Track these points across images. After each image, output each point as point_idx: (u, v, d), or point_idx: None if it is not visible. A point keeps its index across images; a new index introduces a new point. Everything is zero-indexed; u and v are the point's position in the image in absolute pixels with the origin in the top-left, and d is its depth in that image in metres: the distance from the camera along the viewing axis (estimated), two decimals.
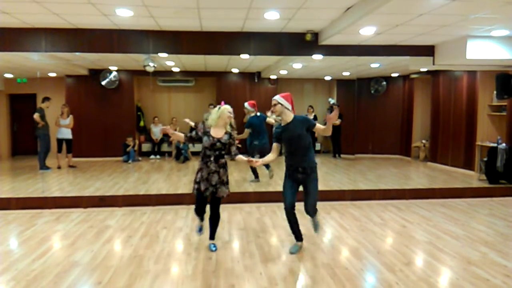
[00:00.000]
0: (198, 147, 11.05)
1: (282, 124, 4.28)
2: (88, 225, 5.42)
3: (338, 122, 11.58)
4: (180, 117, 12.24)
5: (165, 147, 12.00)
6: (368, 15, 5.22)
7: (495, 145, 7.97)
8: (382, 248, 4.60)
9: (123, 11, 5.78)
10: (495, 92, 8.19)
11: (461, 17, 5.44)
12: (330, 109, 12.05)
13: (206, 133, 4.28)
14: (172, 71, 11.80)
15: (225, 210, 5.99)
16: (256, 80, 12.30)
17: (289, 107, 4.22)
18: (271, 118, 8.04)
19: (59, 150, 9.72)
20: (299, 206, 4.26)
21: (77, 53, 7.71)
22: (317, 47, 7.17)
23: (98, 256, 4.26)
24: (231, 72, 12.11)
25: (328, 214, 6.02)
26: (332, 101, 12.26)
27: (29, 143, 12.03)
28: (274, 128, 11.44)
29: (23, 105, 12.35)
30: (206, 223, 4.60)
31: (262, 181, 7.83)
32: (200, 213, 4.47)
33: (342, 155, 11.87)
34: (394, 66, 9.88)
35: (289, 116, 4.22)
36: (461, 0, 4.64)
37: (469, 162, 8.97)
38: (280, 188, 7.10)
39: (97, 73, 11.41)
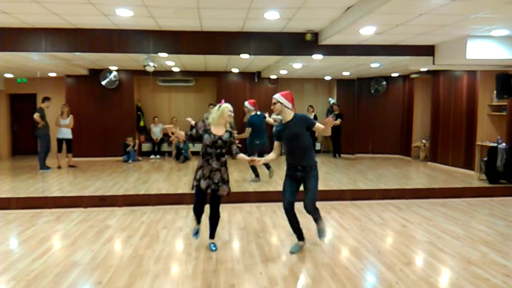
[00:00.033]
0: (198, 147, 11.05)
1: (283, 122, 4.28)
2: (88, 225, 5.42)
3: (338, 122, 11.59)
4: (180, 117, 12.28)
5: (165, 147, 12.00)
6: (368, 15, 5.21)
7: (495, 145, 7.97)
8: (382, 247, 4.60)
9: (123, 11, 5.78)
10: (495, 92, 8.19)
11: (461, 17, 5.44)
12: (331, 109, 12.07)
13: (207, 131, 4.26)
14: (172, 71, 11.80)
15: (225, 209, 5.99)
16: (256, 80, 12.30)
17: (289, 105, 4.22)
18: (270, 118, 8.05)
19: (59, 150, 9.72)
20: (299, 206, 4.25)
21: (77, 53, 7.72)
22: (317, 47, 7.17)
23: (98, 256, 4.26)
24: (231, 72, 12.11)
25: (328, 214, 6.02)
26: (332, 101, 12.28)
27: (29, 143, 12.04)
28: (274, 128, 11.45)
29: (23, 105, 12.36)
30: (203, 227, 4.59)
31: (262, 181, 7.83)
32: (199, 212, 4.41)
33: (342, 155, 11.87)
34: (394, 66, 9.88)
35: (289, 115, 4.21)
36: (461, 0, 4.64)
37: (469, 162, 8.97)
38: (280, 187, 7.09)
39: (97, 73, 11.41)
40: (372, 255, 4.34)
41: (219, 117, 4.29)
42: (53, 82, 11.76)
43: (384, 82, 12.18)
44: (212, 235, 4.52)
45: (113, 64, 10.62)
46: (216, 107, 4.36)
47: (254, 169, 7.93)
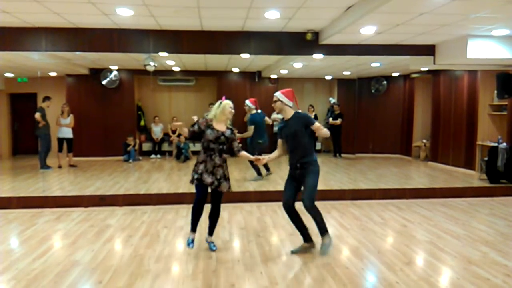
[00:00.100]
0: (198, 147, 11.05)
1: (284, 120, 4.28)
2: (88, 225, 5.42)
3: (338, 121, 11.60)
4: (181, 116, 12.29)
5: (165, 147, 12.01)
6: (369, 15, 5.21)
7: (495, 144, 7.96)
8: (382, 247, 4.60)
9: (123, 11, 5.78)
10: (495, 91, 8.18)
11: (462, 16, 5.43)
12: (331, 109, 12.08)
13: (209, 126, 4.22)
14: (172, 71, 11.80)
15: (225, 209, 5.99)
16: (256, 80, 12.30)
17: (290, 103, 4.21)
18: (269, 119, 8.06)
19: (60, 150, 9.73)
20: (300, 206, 4.24)
21: (77, 53, 7.73)
22: (318, 47, 7.16)
23: (98, 255, 4.26)
24: (232, 71, 12.11)
25: (329, 214, 6.01)
26: (333, 100, 12.28)
27: (29, 143, 12.05)
28: (274, 127, 11.46)
29: (23, 104, 12.37)
30: (203, 228, 4.58)
31: (263, 180, 7.83)
32: (198, 212, 4.27)
33: (342, 155, 11.87)
34: (394, 65, 9.87)
35: (289, 113, 4.21)
36: (461, 0, 4.64)
37: (470, 162, 8.97)
38: (280, 187, 7.11)
39: (97, 73, 11.42)
40: (373, 255, 4.34)
41: (220, 114, 4.26)
42: (53, 82, 11.77)
43: (385, 82, 12.18)
44: (211, 232, 4.47)
45: (114, 63, 10.62)
46: (217, 104, 4.33)
47: (256, 167, 7.93)
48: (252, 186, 7.35)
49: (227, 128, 4.31)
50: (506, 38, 6.59)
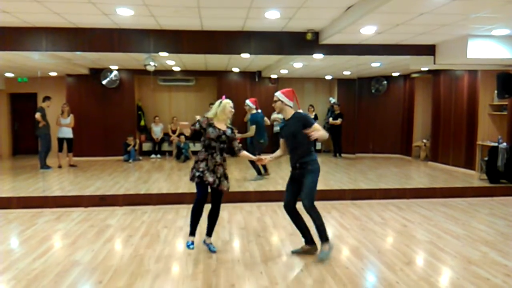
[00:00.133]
0: (198, 147, 11.06)
1: (285, 120, 4.27)
2: (88, 225, 5.42)
3: (339, 121, 11.60)
4: (181, 116, 12.29)
5: (165, 147, 12.01)
6: (369, 14, 5.21)
7: (496, 144, 7.96)
8: (382, 247, 4.60)
9: (123, 10, 5.77)
10: (496, 91, 8.18)
11: (462, 16, 5.43)
12: (331, 108, 12.08)
13: (211, 124, 4.21)
14: (172, 71, 11.80)
15: (225, 209, 5.99)
16: (256, 80, 12.30)
17: (290, 103, 4.19)
18: (267, 120, 8.07)
19: (60, 149, 9.73)
20: (301, 206, 4.24)
21: (77, 53, 7.73)
22: (318, 47, 7.16)
23: (98, 255, 4.26)
24: (232, 71, 12.11)
25: (329, 214, 6.01)
26: (333, 100, 12.28)
27: (29, 142, 12.06)
28: (274, 127, 11.46)
29: (23, 104, 12.38)
30: (199, 236, 4.57)
31: (262, 180, 7.83)
32: (198, 213, 4.26)
33: (342, 155, 11.87)
34: (395, 65, 9.87)
35: (289, 113, 4.20)
36: (461, 0, 4.64)
37: (470, 162, 8.97)
38: (280, 187, 7.14)
39: (97, 72, 11.42)
40: (373, 254, 4.34)
41: (221, 113, 4.25)
42: (53, 82, 11.77)
43: (385, 82, 12.17)
44: (209, 233, 4.43)
45: (114, 63, 10.62)
46: (217, 103, 4.32)
47: (256, 167, 7.94)
48: (252, 186, 7.34)
49: (227, 127, 4.31)
50: (506, 38, 6.59)
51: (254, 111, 7.81)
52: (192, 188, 4.44)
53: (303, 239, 4.35)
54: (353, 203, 6.72)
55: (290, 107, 4.18)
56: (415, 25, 5.94)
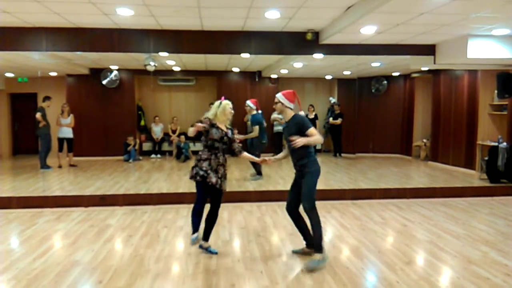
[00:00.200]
0: (198, 146, 11.06)
1: (285, 122, 4.27)
2: (88, 224, 5.43)
3: (339, 121, 11.61)
4: (181, 116, 12.30)
5: (165, 146, 12.01)
6: (369, 14, 5.21)
7: (496, 144, 7.96)
8: (382, 247, 4.60)
9: (123, 10, 5.78)
10: (496, 91, 8.18)
11: (462, 16, 5.43)
12: (331, 108, 12.08)
13: (214, 125, 4.21)
14: (172, 70, 11.80)
15: (225, 209, 6.00)
16: (256, 79, 12.30)
17: (290, 105, 4.18)
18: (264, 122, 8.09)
19: (60, 149, 9.73)
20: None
21: (78, 53, 7.73)
22: (318, 46, 7.16)
23: (98, 255, 4.26)
24: (232, 71, 12.11)
25: (329, 213, 6.02)
26: (333, 100, 12.29)
27: (30, 142, 12.07)
28: (274, 128, 11.46)
29: (24, 104, 12.38)
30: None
31: (263, 180, 7.83)
32: (199, 213, 4.30)
33: (342, 154, 11.86)
34: (395, 65, 9.87)
35: (289, 115, 4.19)
36: (461, 0, 4.65)
37: (470, 161, 8.97)
38: (280, 187, 7.14)
39: (97, 72, 11.42)
40: (373, 254, 4.34)
41: (221, 114, 4.24)
42: (54, 81, 11.78)
43: (385, 82, 12.17)
44: (206, 237, 4.33)
45: (114, 63, 10.62)
46: (216, 104, 4.30)
47: (257, 167, 7.94)
48: (252, 186, 7.35)
49: (227, 128, 4.31)
50: (506, 37, 6.59)
51: (255, 112, 7.81)
52: (192, 188, 4.44)
53: (304, 241, 4.35)
54: (353, 203, 6.72)
55: (291, 109, 4.16)
56: (415, 25, 5.94)
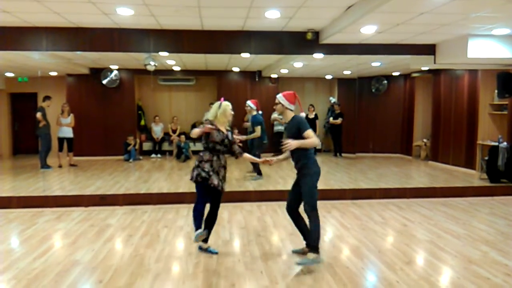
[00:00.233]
0: (198, 146, 11.06)
1: (286, 123, 4.27)
2: (89, 224, 5.43)
3: (339, 121, 11.61)
4: (181, 116, 12.30)
5: (166, 146, 12.01)
6: (369, 14, 5.21)
7: (496, 144, 7.96)
8: (383, 247, 4.60)
9: (123, 10, 5.78)
10: (496, 91, 8.17)
11: (462, 16, 5.43)
12: (331, 108, 12.08)
13: (215, 127, 4.21)
14: (172, 70, 11.80)
15: (225, 209, 6.00)
16: (256, 79, 12.29)
17: (291, 107, 4.17)
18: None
19: (60, 149, 9.74)
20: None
21: (78, 52, 7.73)
22: (318, 46, 7.16)
23: (99, 255, 4.26)
24: (232, 71, 12.11)
25: (329, 213, 6.02)
26: (333, 100, 12.28)
27: (30, 142, 12.06)
28: (274, 128, 11.46)
29: (24, 104, 12.38)
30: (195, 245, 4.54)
31: (263, 180, 7.84)
32: (200, 213, 4.28)
33: (343, 154, 11.86)
34: (395, 65, 9.87)
35: (289, 116, 4.18)
36: None
37: (470, 161, 8.97)
38: (280, 187, 7.14)
39: (98, 72, 11.42)
40: (373, 254, 4.34)
41: (222, 116, 4.23)
42: (54, 81, 11.78)
43: (385, 81, 12.17)
44: (206, 239, 4.33)
45: (114, 63, 10.62)
46: (216, 105, 4.29)
47: (257, 167, 7.94)
48: (252, 186, 7.35)
49: (227, 130, 4.31)
50: (506, 37, 6.59)
51: (255, 112, 7.81)
52: (192, 187, 4.43)
53: (304, 241, 4.34)
54: (353, 203, 6.72)
55: (291, 110, 4.16)
56: (415, 25, 5.94)
